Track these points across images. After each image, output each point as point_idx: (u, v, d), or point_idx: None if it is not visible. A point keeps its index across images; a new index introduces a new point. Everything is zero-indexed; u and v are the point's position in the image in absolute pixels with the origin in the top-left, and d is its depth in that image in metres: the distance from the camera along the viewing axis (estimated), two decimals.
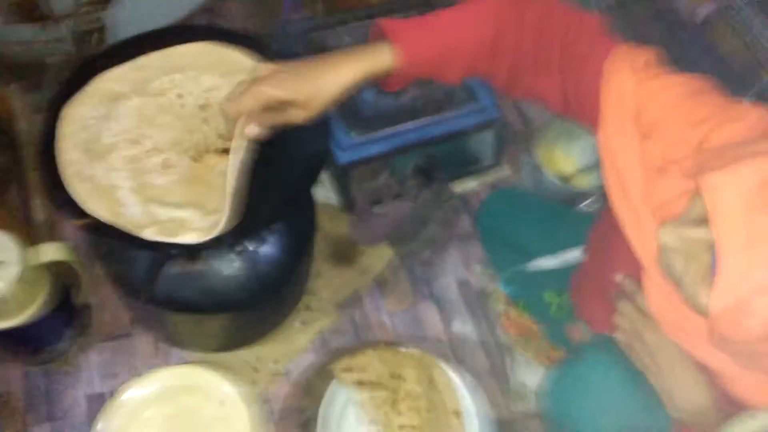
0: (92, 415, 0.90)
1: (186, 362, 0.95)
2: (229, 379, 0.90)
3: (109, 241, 0.64)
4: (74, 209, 0.64)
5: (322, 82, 0.63)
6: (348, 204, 1.08)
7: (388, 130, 1.05)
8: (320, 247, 1.05)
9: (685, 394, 0.69)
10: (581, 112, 0.70)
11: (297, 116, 0.64)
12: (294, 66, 0.65)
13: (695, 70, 0.66)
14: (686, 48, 1.14)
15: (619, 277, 0.74)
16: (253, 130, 0.63)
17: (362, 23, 1.13)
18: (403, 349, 0.88)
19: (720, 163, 0.56)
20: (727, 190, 0.53)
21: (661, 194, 0.64)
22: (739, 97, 0.65)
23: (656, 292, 0.68)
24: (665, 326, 0.69)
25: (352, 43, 1.11)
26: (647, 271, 0.67)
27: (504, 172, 1.20)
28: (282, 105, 0.63)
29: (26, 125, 1.04)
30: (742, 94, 0.63)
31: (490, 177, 1.19)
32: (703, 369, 0.68)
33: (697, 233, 0.56)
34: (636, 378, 0.74)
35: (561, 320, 0.96)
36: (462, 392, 0.86)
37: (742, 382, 0.65)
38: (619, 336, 0.75)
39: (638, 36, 1.15)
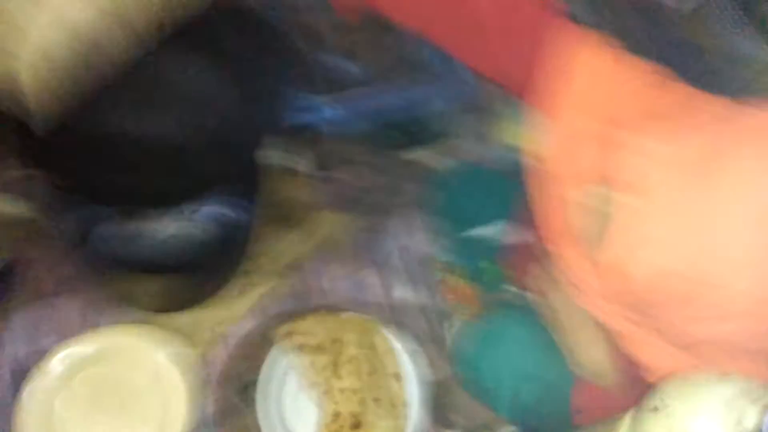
0: (16, 383, 0.85)
1: (120, 323, 0.91)
2: (165, 344, 0.88)
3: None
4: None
5: None
6: (291, 166, 1.05)
7: (344, 94, 1.02)
8: (262, 210, 1.02)
9: (584, 351, 0.75)
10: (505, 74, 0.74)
11: None
12: None
13: (664, 60, 0.69)
14: (661, 38, 1.16)
15: (533, 240, 0.78)
16: None
17: None
18: (343, 315, 0.88)
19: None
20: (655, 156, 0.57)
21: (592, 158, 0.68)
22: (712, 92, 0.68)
23: (565, 250, 0.72)
24: (569, 285, 0.74)
25: None
26: (554, 234, 0.72)
27: (456, 142, 1.20)
28: None
29: None
30: (719, 90, 0.66)
31: (441, 146, 1.19)
32: (603, 329, 0.73)
33: (605, 192, 0.61)
34: (542, 335, 0.79)
35: (494, 286, 0.98)
36: (402, 356, 0.87)
37: (637, 342, 0.71)
38: (530, 296, 0.80)
39: (615, 21, 1.18)
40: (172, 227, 0.77)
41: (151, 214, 0.75)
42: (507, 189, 1.02)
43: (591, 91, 0.71)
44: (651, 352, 0.70)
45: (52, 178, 0.60)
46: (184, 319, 0.94)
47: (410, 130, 1.14)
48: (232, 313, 0.97)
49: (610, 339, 0.73)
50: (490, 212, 0.98)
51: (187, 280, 0.86)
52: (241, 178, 0.84)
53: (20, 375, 0.86)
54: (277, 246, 1.03)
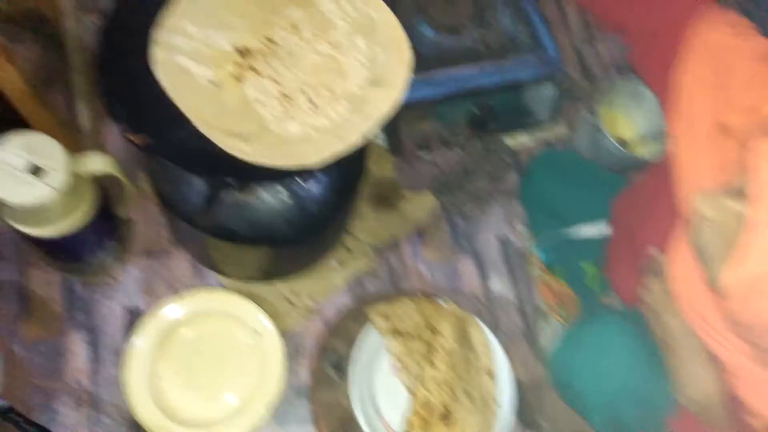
0: (128, 328, 0.92)
1: (223, 287, 0.95)
2: (265, 311, 0.91)
3: (165, 162, 0.62)
4: (131, 123, 0.62)
5: None
6: (395, 146, 1.04)
7: (444, 72, 1.00)
8: (363, 188, 1.03)
9: (692, 380, 0.69)
10: (652, 49, 0.72)
11: None
12: None
13: None
14: None
15: (652, 251, 0.73)
16: None
17: None
18: (441, 303, 0.87)
19: None
20: None
21: (719, 155, 0.63)
22: None
23: (681, 267, 0.67)
24: (684, 307, 0.68)
25: None
26: (677, 241, 0.67)
27: (560, 129, 1.15)
28: None
29: (73, 24, 1.01)
30: None
31: (545, 133, 1.14)
32: (715, 361, 0.67)
33: (734, 205, 0.54)
34: (648, 351, 0.74)
35: (595, 291, 0.93)
36: (497, 353, 0.86)
37: (751, 383, 0.64)
38: (643, 309, 0.75)
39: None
40: (281, 198, 0.79)
41: (263, 184, 0.76)
42: (612, 185, 0.97)
43: (721, 74, 0.65)
44: (764, 396, 0.64)
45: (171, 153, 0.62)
46: (282, 287, 0.97)
47: (512, 113, 1.10)
48: (329, 285, 0.98)
49: (721, 373, 0.67)
50: (593, 209, 0.93)
51: (289, 250, 0.88)
52: (350, 155, 0.84)
53: (132, 321, 0.92)
54: (375, 224, 1.03)
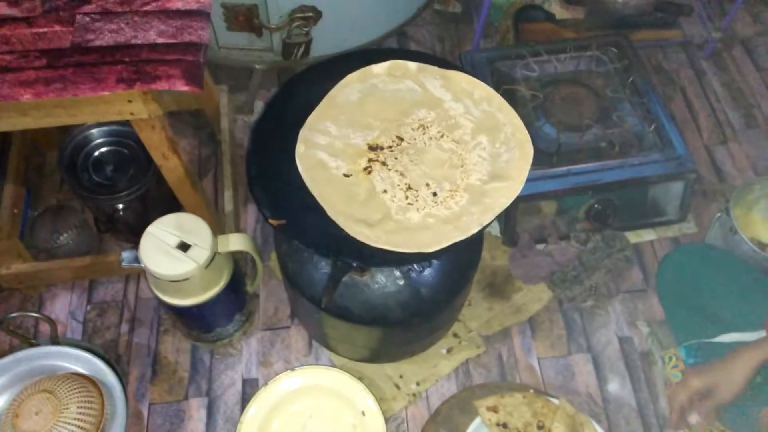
0: (245, 398, 0.97)
1: (333, 365, 0.98)
2: (372, 392, 0.92)
3: (297, 244, 0.68)
4: (271, 208, 0.69)
5: (732, 372, 0.76)
6: (511, 238, 1.05)
7: (566, 168, 1.01)
8: (476, 276, 1.04)
9: None
10: None
11: (721, 399, 0.76)
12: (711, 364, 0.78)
13: None
14: None
15: None
16: (694, 417, 0.78)
17: (553, 56, 1.10)
18: (555, 401, 0.84)
19: None
20: None
21: None
22: None
23: None
24: None
25: (538, 76, 1.09)
26: None
27: (689, 228, 1.10)
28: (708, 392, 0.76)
29: (228, 123, 1.15)
30: None
31: (672, 231, 1.10)
32: None
33: None
34: None
35: (754, 402, 0.84)
36: None
37: None
38: None
39: None
40: (398, 283, 0.82)
41: (382, 269, 0.80)
42: (765, 288, 0.88)
43: None
44: None
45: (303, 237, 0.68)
46: (390, 370, 0.98)
47: (637, 210, 1.07)
48: (436, 372, 0.98)
49: None
50: (746, 314, 0.85)
51: (401, 334, 0.90)
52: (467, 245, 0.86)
53: (248, 392, 0.97)
54: (486, 314, 1.03)
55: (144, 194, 1.00)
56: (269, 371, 0.99)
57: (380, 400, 0.93)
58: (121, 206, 1.00)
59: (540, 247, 1.05)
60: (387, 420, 0.91)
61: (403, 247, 0.66)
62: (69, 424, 0.84)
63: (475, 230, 0.66)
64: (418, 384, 0.98)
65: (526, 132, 0.72)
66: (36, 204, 1.13)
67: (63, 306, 1.04)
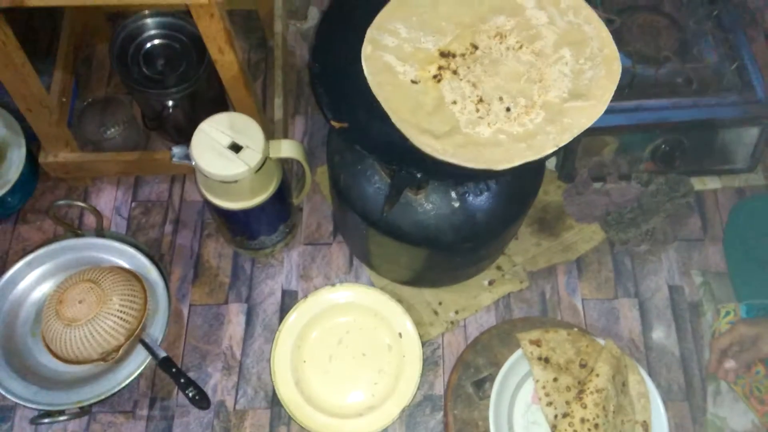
0: (283, 307, 0.97)
1: (373, 285, 0.97)
2: (410, 316, 0.92)
3: (358, 150, 0.65)
4: (335, 110, 0.66)
5: None
6: (568, 173, 1.01)
7: (637, 102, 0.95)
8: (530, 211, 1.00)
9: None
10: None
11: (765, 353, 0.75)
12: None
13: None
14: None
15: None
16: (730, 363, 0.77)
17: None
18: (601, 342, 0.82)
19: None
20: None
21: None
22: None
23: None
24: None
25: None
26: None
27: (756, 179, 1.04)
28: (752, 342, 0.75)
29: (281, 27, 1.10)
30: None
31: (738, 181, 1.04)
32: None
33: None
34: None
35: None
36: (657, 408, 0.78)
37: None
38: None
39: None
40: (453, 205, 0.79)
41: (439, 188, 0.77)
42: None
43: None
44: None
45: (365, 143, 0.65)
46: (430, 295, 0.97)
47: (705, 154, 1.01)
48: (478, 302, 0.97)
49: None
50: None
51: (447, 260, 0.87)
52: (527, 174, 0.82)
53: (286, 304, 0.97)
54: (533, 249, 1.00)
55: (193, 93, 0.97)
56: (309, 285, 0.99)
57: (417, 324, 0.92)
58: (170, 103, 0.97)
59: (597, 185, 1.00)
60: (423, 344, 0.91)
61: (471, 162, 0.62)
62: (111, 315, 0.85)
63: (550, 150, 0.62)
64: (456, 312, 0.96)
65: (615, 48, 0.66)
66: (84, 96, 1.11)
67: (108, 201, 1.04)
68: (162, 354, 0.87)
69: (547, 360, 0.80)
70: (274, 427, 0.89)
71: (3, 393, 0.84)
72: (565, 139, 0.63)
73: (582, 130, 0.64)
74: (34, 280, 0.93)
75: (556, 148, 0.62)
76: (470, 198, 0.78)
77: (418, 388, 0.88)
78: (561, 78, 0.66)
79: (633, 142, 0.99)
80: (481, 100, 0.66)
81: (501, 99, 0.66)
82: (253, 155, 0.80)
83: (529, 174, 0.83)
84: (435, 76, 0.67)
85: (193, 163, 0.80)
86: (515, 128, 0.64)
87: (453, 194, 0.78)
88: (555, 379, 0.78)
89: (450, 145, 0.63)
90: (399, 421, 0.89)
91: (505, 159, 0.62)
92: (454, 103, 0.66)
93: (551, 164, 1.04)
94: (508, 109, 0.65)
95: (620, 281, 0.98)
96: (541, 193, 1.03)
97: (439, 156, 0.63)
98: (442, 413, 0.89)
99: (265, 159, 0.82)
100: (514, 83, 0.67)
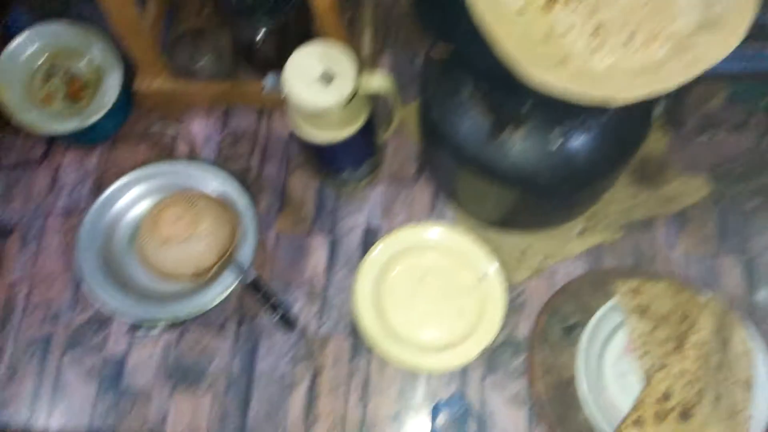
0: (366, 242, 0.97)
1: (457, 226, 0.96)
2: (495, 258, 0.90)
3: (461, 80, 0.62)
4: (438, 34, 0.63)
5: None
6: (675, 121, 0.94)
7: (759, 45, 0.86)
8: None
9: None
10: None
11: None
12: None
13: None
14: None
15: None
16: None
17: None
18: (703, 296, 0.77)
19: None
20: None
21: None
22: None
23: None
24: None
25: None
26: None
27: None
28: None
29: None
30: None
31: None
32: None
33: None
34: None
35: None
36: (759, 365, 0.74)
37: None
38: None
39: None
40: (554, 144, 0.75)
41: (540, 124, 0.73)
42: None
43: None
44: None
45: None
46: (517, 239, 0.95)
47: None
48: (565, 251, 0.93)
49: None
50: None
51: (540, 202, 0.84)
52: (636, 117, 0.77)
53: (369, 239, 0.97)
54: (630, 200, 0.95)
55: (284, 25, 0.96)
56: (392, 222, 0.98)
57: (502, 267, 0.90)
58: (260, 34, 0.97)
59: (707, 135, 0.93)
60: (507, 288, 0.89)
61: (587, 94, 0.58)
62: (204, 236, 0.88)
63: (677, 81, 0.57)
64: (544, 259, 0.94)
65: None
66: (176, 26, 1.12)
67: (198, 130, 1.06)
68: (251, 276, 0.90)
69: (644, 310, 0.76)
70: (354, 355, 0.91)
71: (103, 303, 0.89)
72: (694, 72, 0.58)
73: (712, 63, 0.58)
74: (130, 200, 0.97)
75: (684, 80, 0.57)
76: (572, 139, 0.74)
77: (501, 330, 0.87)
78: (690, 8, 0.60)
79: (748, 91, 0.91)
80: (596, 31, 0.61)
81: (620, 29, 0.61)
82: (344, 86, 0.79)
83: (637, 118, 0.78)
84: (544, 6, 0.63)
85: (285, 93, 0.80)
86: (637, 59, 0.59)
87: (554, 133, 0.74)
88: (652, 331, 0.75)
89: (562, 77, 0.59)
90: (479, 361, 0.88)
91: (625, 89, 0.58)
92: (567, 33, 0.62)
93: (656, 112, 0.97)
94: (627, 40, 0.60)
95: (725, 238, 0.92)
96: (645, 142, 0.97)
97: (550, 88, 0.59)
98: (524, 357, 0.88)
99: (356, 91, 0.80)
100: (635, 12, 0.61)
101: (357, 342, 0.91)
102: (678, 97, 0.92)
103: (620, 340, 0.79)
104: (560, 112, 0.60)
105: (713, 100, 0.92)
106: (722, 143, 0.92)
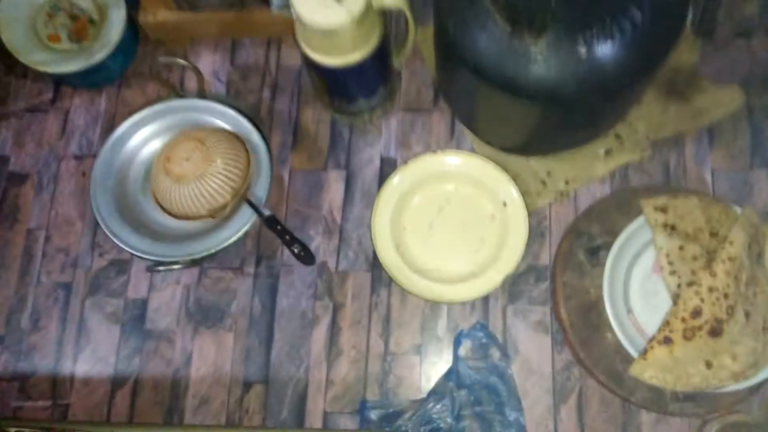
0: (382, 175, 0.94)
1: (476, 153, 0.92)
2: (516, 184, 0.87)
3: None
4: None
5: None
6: (706, 28, 0.88)
7: None
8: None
9: None
10: None
11: None
12: None
13: None
14: None
15: None
16: None
17: None
18: (737, 210, 0.74)
19: None
20: None
21: None
22: None
23: None
24: None
25: None
26: None
27: None
28: None
29: None
30: None
31: None
32: None
33: None
34: None
35: None
36: None
37: None
38: None
39: None
40: (576, 55, 0.70)
41: (562, 34, 0.69)
42: None
43: None
44: None
45: None
46: (538, 164, 0.91)
47: None
48: (591, 172, 0.90)
49: None
50: None
51: (561, 118, 0.80)
52: (666, 21, 0.72)
53: (385, 171, 0.95)
54: (659, 116, 0.90)
55: None
56: (408, 153, 0.95)
57: (523, 194, 0.87)
58: None
59: (740, 42, 0.87)
60: (529, 214, 0.86)
61: None
62: (217, 173, 0.86)
63: None
64: (567, 182, 0.90)
65: None
66: None
67: (206, 65, 1.03)
68: (267, 212, 0.88)
69: (673, 227, 0.73)
70: (375, 289, 0.90)
71: (121, 244, 0.89)
72: None
73: None
74: (141, 139, 0.95)
75: None
76: (598, 46, 0.69)
77: (523, 258, 0.85)
78: None
79: None
80: None
81: None
82: (355, 2, 0.74)
83: (669, 22, 0.73)
84: None
85: (293, 14, 0.76)
86: None
87: (579, 41, 0.69)
88: (681, 248, 0.72)
89: None
90: (501, 289, 0.87)
91: None
92: None
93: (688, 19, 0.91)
94: None
95: (758, 151, 0.87)
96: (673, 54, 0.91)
97: None
98: (547, 282, 0.86)
99: (368, 8, 0.76)
100: None
101: (377, 276, 0.90)
102: (710, 1, 0.85)
103: (648, 259, 0.76)
104: (585, 15, 0.55)
105: (747, 4, 0.85)
106: (757, 49, 0.86)
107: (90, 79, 1.01)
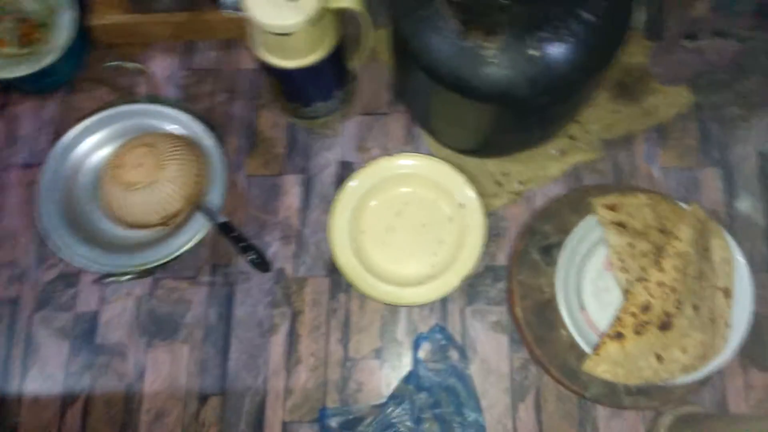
0: (340, 180, 0.94)
1: (434, 156, 0.93)
2: (473, 186, 0.87)
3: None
4: None
5: None
6: (655, 30, 0.90)
7: None
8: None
9: None
10: None
11: None
12: None
13: None
14: None
15: None
16: None
17: None
18: (684, 206, 0.75)
19: None
20: None
21: None
22: None
23: None
24: None
25: None
26: None
27: None
28: None
29: None
30: None
31: None
32: None
33: None
34: None
35: None
36: (741, 273, 0.73)
37: None
38: None
39: None
40: (528, 55, 0.71)
41: (515, 33, 0.69)
42: None
43: None
44: None
45: None
46: (493, 166, 0.92)
47: None
48: (544, 173, 0.91)
49: None
50: None
51: (517, 118, 0.81)
52: (611, 24, 0.73)
53: (343, 175, 0.94)
54: (609, 115, 0.92)
55: None
56: (366, 156, 0.95)
57: (481, 195, 0.88)
58: None
59: (689, 43, 0.90)
60: (486, 215, 0.87)
61: None
62: (170, 180, 0.84)
63: None
64: (522, 183, 0.91)
65: None
66: None
67: (160, 69, 1.01)
68: (221, 219, 0.87)
69: (623, 225, 0.74)
70: (334, 294, 0.89)
71: (65, 257, 0.86)
72: None
73: None
74: (90, 146, 0.93)
75: None
76: (550, 47, 0.70)
77: (481, 259, 0.85)
78: None
79: None
80: None
81: None
82: (309, 3, 0.74)
83: (617, 19, 0.74)
84: None
85: (246, 14, 0.75)
86: None
87: (531, 43, 0.70)
88: (631, 245, 0.73)
89: None
90: (459, 291, 0.87)
91: None
92: None
93: (639, 22, 0.93)
94: None
95: (705, 149, 0.90)
96: (623, 54, 0.93)
97: None
98: (503, 283, 0.87)
99: (322, 9, 0.75)
100: None
101: (335, 281, 0.89)
102: (658, 4, 0.87)
103: (600, 256, 0.77)
104: (536, 16, 0.56)
105: (695, 5, 0.88)
106: (705, 50, 0.88)
107: (39, 85, 0.98)
